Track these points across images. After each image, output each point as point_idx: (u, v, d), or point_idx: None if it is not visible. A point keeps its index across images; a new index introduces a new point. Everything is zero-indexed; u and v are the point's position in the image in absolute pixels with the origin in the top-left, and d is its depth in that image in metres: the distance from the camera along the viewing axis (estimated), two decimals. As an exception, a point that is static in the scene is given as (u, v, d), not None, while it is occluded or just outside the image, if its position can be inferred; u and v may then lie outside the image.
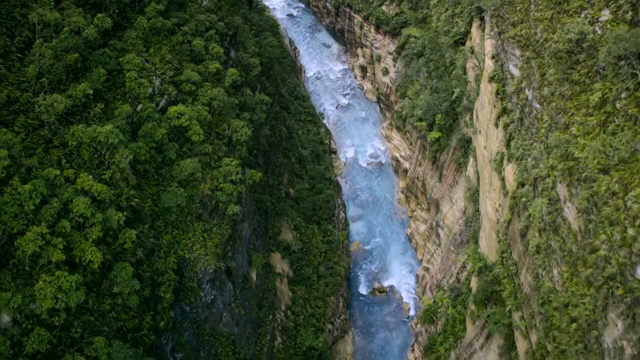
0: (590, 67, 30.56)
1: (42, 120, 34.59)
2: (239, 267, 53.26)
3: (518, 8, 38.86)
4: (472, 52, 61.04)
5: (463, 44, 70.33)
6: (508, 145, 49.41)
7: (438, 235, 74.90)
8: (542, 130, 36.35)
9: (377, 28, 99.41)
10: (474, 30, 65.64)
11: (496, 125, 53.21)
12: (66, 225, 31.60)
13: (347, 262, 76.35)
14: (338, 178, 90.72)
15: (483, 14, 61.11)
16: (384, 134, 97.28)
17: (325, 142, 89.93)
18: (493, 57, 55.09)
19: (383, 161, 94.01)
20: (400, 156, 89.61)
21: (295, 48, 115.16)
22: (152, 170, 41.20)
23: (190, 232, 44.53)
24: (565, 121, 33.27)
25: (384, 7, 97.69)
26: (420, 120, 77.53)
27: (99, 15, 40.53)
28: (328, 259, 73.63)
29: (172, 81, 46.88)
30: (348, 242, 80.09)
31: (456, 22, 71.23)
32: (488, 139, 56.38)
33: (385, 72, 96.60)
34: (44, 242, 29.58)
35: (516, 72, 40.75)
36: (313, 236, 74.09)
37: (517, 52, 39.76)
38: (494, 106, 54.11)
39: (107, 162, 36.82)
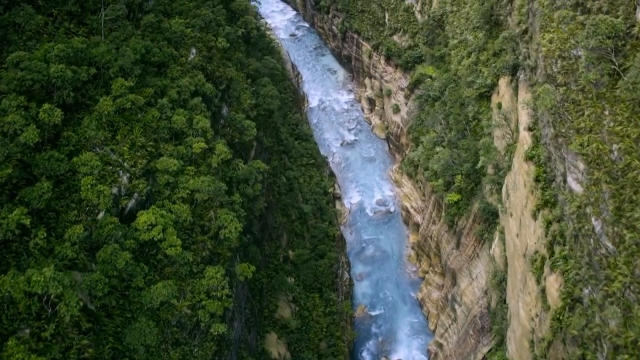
0: None
1: (-42, 268, 26.05)
2: (226, 379, 44.97)
3: (586, 113, 30.12)
4: (505, 118, 52.20)
5: (489, 97, 61.55)
6: (551, 249, 40.96)
7: (454, 310, 66.46)
8: (617, 284, 27.80)
9: (388, 59, 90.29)
10: (503, 86, 56.76)
11: (534, 217, 44.62)
12: None
13: (352, 336, 68.04)
14: (342, 228, 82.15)
15: (517, 73, 52.36)
16: (393, 177, 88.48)
17: (329, 190, 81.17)
18: (530, 130, 46.50)
19: (392, 209, 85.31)
20: (411, 207, 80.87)
21: (298, 74, 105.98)
22: (113, 301, 32.64)
23: (164, 365, 36.11)
24: (657, 290, 24.80)
25: (395, 38, 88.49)
26: (436, 175, 68.90)
27: (45, 106, 31.37)
28: (330, 333, 65.36)
29: (145, 171, 38.14)
30: (352, 311, 71.72)
31: (481, 71, 62.24)
32: (522, 227, 47.74)
33: (396, 109, 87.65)
34: None
35: (577, 188, 32.06)
36: (314, 308, 65.74)
37: (581, 166, 31.08)
38: (532, 192, 45.51)
39: (50, 311, 28.32)
